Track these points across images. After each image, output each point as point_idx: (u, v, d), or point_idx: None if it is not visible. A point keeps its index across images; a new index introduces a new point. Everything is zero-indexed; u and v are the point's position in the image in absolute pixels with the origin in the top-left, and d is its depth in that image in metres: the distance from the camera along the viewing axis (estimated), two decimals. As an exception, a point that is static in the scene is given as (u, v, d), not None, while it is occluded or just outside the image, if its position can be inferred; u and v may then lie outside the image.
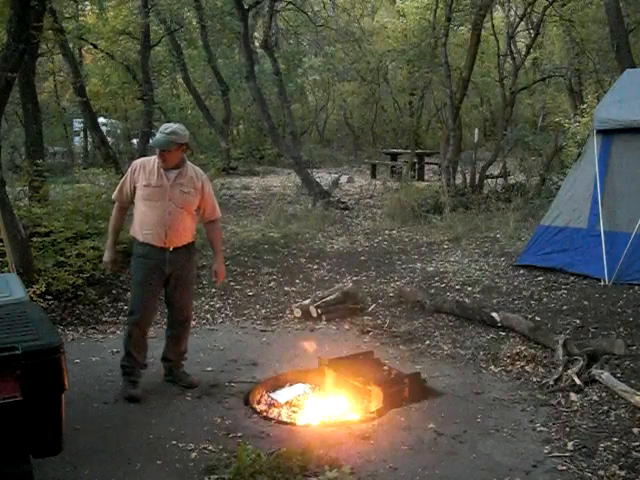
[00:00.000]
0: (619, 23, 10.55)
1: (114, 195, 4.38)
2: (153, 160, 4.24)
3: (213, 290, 6.81)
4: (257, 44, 18.82)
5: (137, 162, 4.33)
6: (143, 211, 4.19)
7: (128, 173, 4.28)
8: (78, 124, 20.39)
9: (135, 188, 4.21)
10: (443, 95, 15.00)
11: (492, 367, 4.71)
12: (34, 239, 6.23)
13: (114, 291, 6.38)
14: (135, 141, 18.68)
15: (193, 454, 3.46)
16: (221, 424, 3.83)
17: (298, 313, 5.98)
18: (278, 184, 14.58)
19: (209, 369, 4.73)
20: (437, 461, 3.39)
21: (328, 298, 6.07)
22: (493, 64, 18.09)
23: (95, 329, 5.66)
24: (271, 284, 7.08)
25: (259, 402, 4.24)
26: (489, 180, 12.61)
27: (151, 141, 4.30)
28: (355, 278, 7.19)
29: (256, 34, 19.52)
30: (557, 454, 3.44)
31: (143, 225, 4.18)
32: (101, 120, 17.93)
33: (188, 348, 4.63)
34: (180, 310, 4.41)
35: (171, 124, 4.25)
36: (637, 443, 3.50)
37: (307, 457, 3.30)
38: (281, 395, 4.33)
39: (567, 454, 3.43)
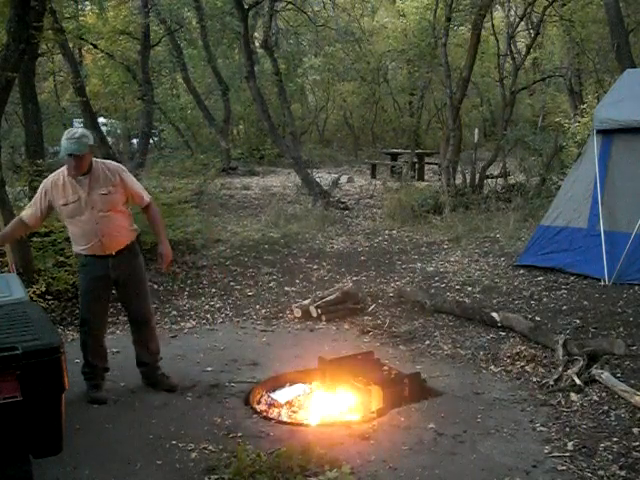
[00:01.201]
0: (619, 23, 10.55)
1: (26, 217, 4.08)
2: (61, 175, 4.04)
3: (213, 290, 6.82)
4: (257, 44, 18.81)
5: (47, 182, 4.09)
6: (73, 229, 4.11)
7: (39, 196, 4.06)
8: (78, 124, 20.38)
9: (50, 209, 4.06)
10: (443, 95, 15.00)
11: (492, 367, 4.71)
12: (34, 239, 6.23)
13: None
14: (135, 141, 18.69)
15: (193, 454, 3.46)
16: (221, 424, 3.83)
17: (298, 313, 5.98)
18: (278, 184, 14.58)
19: (209, 369, 4.73)
20: (437, 461, 3.39)
21: (328, 298, 6.07)
22: (493, 64, 18.08)
23: (95, 329, 5.65)
24: (271, 284, 7.08)
25: (259, 402, 4.25)
26: (489, 180, 12.60)
27: (60, 153, 3.97)
28: (355, 278, 7.19)
29: (256, 34, 19.50)
30: (557, 454, 3.44)
31: (79, 241, 4.11)
32: (101, 120, 17.93)
33: (188, 348, 4.63)
34: (137, 312, 4.33)
35: (74, 129, 4.04)
36: (637, 443, 3.50)
37: (307, 457, 3.30)
38: (281, 395, 4.33)
39: (567, 454, 3.43)
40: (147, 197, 4.25)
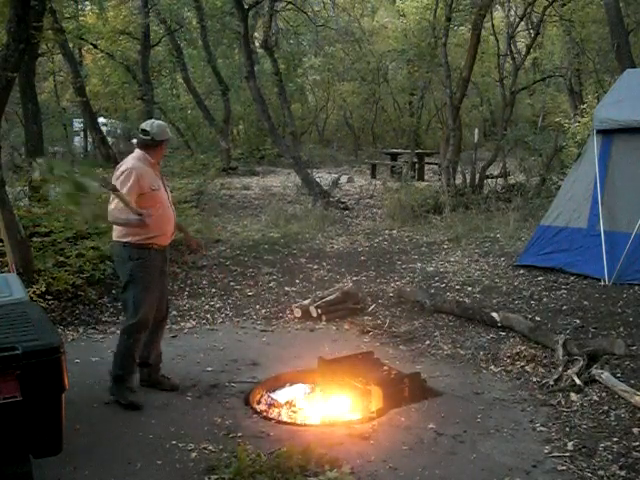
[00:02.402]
0: (619, 23, 10.55)
1: (135, 214, 3.85)
2: (144, 163, 4.04)
3: (213, 290, 6.82)
4: (257, 44, 18.81)
5: (136, 168, 3.98)
6: (155, 215, 3.92)
7: (134, 182, 3.91)
8: (78, 124, 20.38)
9: (138, 195, 3.92)
10: (443, 95, 14.99)
11: (492, 367, 4.71)
12: (34, 239, 6.23)
13: (114, 291, 6.36)
14: (135, 141, 18.69)
15: (193, 454, 3.46)
16: (221, 424, 3.83)
17: (298, 313, 5.98)
18: (278, 184, 14.58)
19: (209, 369, 4.73)
20: (437, 461, 3.39)
21: (328, 298, 6.07)
22: (493, 64, 18.09)
23: (95, 329, 5.66)
24: (271, 284, 7.08)
25: (259, 402, 4.25)
26: (489, 180, 12.61)
27: (169, 140, 4.16)
28: (355, 278, 7.19)
29: (256, 34, 19.50)
30: (557, 454, 3.44)
31: (154, 229, 3.95)
32: (101, 120, 17.93)
33: (188, 348, 4.62)
34: (163, 307, 4.33)
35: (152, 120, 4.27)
36: (637, 443, 3.50)
37: (307, 457, 3.30)
38: (281, 395, 4.33)
39: (567, 454, 3.43)
40: None
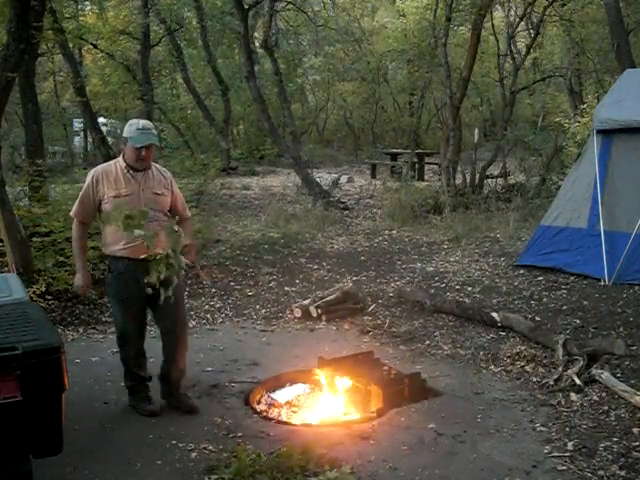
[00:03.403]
0: (619, 23, 10.55)
1: (73, 211, 3.91)
2: (114, 166, 3.90)
3: (213, 290, 6.81)
4: (257, 44, 18.82)
5: (97, 171, 3.90)
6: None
7: (89, 184, 3.85)
8: (78, 124, 20.40)
9: (100, 201, 3.83)
10: (443, 95, 15.00)
11: (492, 367, 4.71)
12: (34, 239, 6.23)
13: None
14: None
15: (193, 454, 3.46)
16: (221, 424, 3.83)
17: (298, 313, 5.98)
18: (278, 184, 14.58)
19: (209, 369, 4.73)
20: (437, 461, 3.39)
21: (328, 298, 6.07)
22: (493, 64, 18.09)
23: (95, 329, 5.67)
24: (271, 284, 7.08)
25: (259, 402, 4.25)
26: (489, 180, 12.62)
27: (133, 140, 3.83)
28: (355, 278, 7.19)
29: (256, 34, 19.51)
30: (557, 454, 3.43)
31: (121, 239, 3.78)
32: (101, 120, 17.94)
33: (189, 348, 4.59)
34: (174, 322, 4.02)
35: (136, 120, 3.96)
36: (637, 443, 3.50)
37: (307, 457, 3.30)
38: (281, 395, 4.33)
39: (567, 454, 3.43)
40: (189, 212, 4.31)
